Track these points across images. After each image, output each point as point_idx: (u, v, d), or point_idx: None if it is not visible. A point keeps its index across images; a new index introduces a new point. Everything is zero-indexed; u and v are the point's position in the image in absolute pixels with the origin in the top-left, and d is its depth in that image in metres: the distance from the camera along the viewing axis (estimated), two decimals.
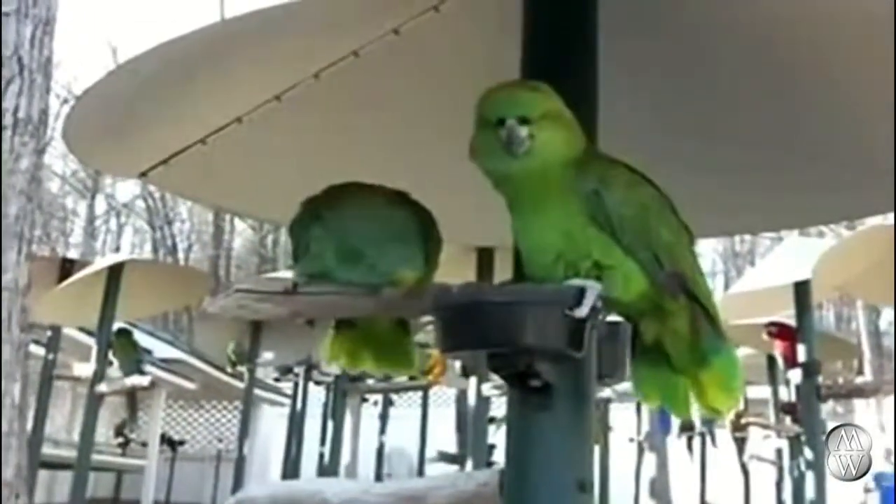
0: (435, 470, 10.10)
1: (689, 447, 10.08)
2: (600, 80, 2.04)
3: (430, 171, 2.57)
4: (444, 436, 11.63)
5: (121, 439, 11.83)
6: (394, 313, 1.92)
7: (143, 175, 2.54)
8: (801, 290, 5.57)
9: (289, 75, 2.37)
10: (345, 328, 2.13)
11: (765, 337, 7.00)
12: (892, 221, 4.55)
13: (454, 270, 3.63)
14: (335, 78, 2.35)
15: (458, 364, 6.47)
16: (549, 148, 1.59)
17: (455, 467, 8.85)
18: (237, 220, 33.68)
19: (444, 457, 10.58)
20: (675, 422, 10.48)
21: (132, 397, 9.59)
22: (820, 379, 5.52)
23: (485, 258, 4.15)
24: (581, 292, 1.55)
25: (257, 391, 13.33)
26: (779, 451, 7.87)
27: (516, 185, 1.62)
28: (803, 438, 5.83)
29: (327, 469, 8.35)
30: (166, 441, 14.78)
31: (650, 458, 11.49)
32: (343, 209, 1.87)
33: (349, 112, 2.57)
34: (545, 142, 1.58)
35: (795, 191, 2.75)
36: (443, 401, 15.24)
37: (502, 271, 3.70)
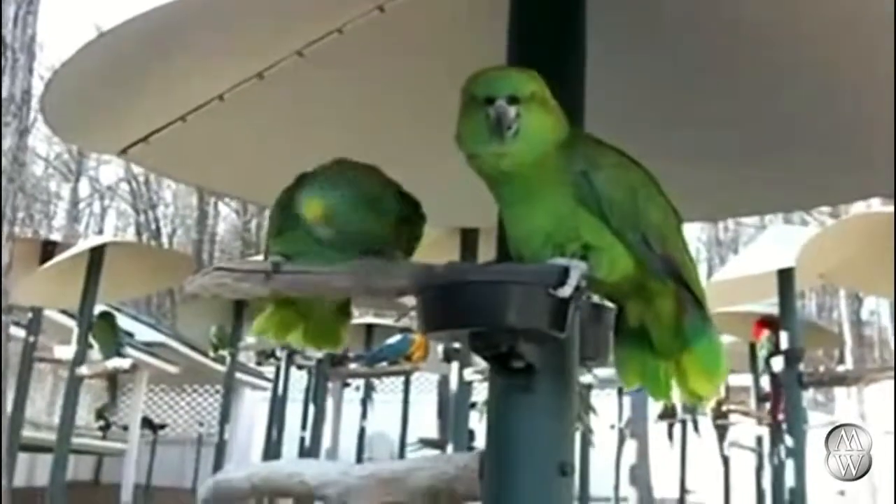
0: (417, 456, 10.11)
1: (670, 434, 10.10)
2: (588, 62, 2.02)
3: (413, 151, 2.55)
4: (425, 421, 11.65)
5: (102, 422, 11.82)
6: (373, 293, 1.90)
7: (122, 152, 2.50)
8: (785, 278, 5.58)
9: (271, 52, 2.34)
10: (285, 305, 2.12)
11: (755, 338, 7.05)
12: (875, 209, 4.56)
13: (438, 252, 3.63)
14: (318, 55, 2.32)
15: (440, 349, 6.45)
16: (537, 129, 1.57)
17: (437, 452, 8.84)
18: (221, 205, 33.61)
19: (426, 443, 10.59)
20: (653, 409, 10.49)
21: (112, 380, 9.56)
22: (802, 367, 5.55)
23: (468, 239, 4.14)
24: (565, 272, 1.54)
25: (239, 375, 13.34)
26: (759, 439, 7.91)
27: (503, 168, 1.59)
28: (784, 426, 5.85)
29: (308, 453, 8.35)
30: (147, 424, 14.76)
31: (631, 445, 11.51)
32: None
33: (333, 90, 2.54)
34: (533, 123, 1.56)
35: (781, 174, 2.74)
36: (425, 386, 15.31)
37: (486, 253, 3.70)
